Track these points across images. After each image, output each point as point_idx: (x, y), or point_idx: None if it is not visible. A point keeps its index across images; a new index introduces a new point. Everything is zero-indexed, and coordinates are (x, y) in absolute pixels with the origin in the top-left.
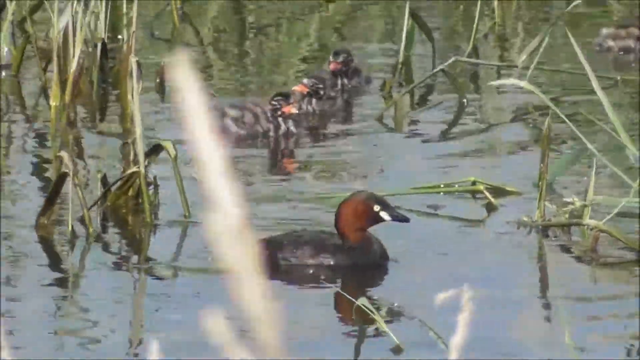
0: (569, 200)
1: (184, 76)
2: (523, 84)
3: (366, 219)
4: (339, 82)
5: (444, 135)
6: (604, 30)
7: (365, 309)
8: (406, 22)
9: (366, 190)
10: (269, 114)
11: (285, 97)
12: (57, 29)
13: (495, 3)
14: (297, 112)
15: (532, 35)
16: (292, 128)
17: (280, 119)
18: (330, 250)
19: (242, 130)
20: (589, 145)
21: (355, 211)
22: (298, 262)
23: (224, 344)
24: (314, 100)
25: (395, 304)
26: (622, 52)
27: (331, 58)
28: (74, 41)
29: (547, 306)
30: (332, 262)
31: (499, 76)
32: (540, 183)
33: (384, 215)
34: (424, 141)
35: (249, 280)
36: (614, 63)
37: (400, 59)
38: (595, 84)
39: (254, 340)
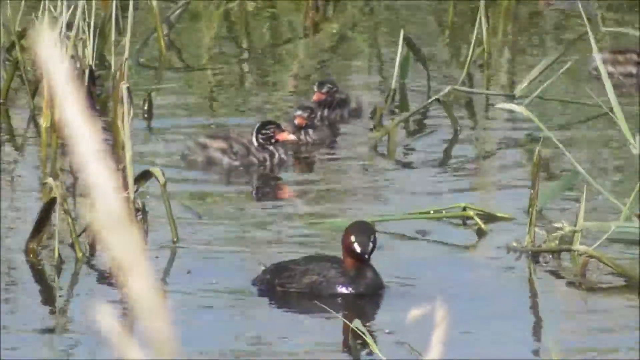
0: (558, 225)
1: (49, 52)
2: (521, 109)
3: (347, 249)
4: (319, 113)
5: (437, 162)
6: (598, 55)
7: (358, 331)
8: (400, 49)
9: (362, 220)
10: (255, 144)
11: (277, 125)
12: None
13: (484, 30)
14: (294, 138)
15: (522, 61)
16: (284, 156)
17: (272, 147)
18: (324, 277)
19: (235, 161)
20: (581, 170)
21: (343, 240)
22: (293, 289)
23: (114, 338)
24: (310, 131)
25: (386, 330)
26: (622, 78)
27: (315, 88)
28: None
29: (535, 331)
30: (324, 291)
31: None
32: (530, 209)
33: (355, 246)
34: (416, 168)
35: (134, 268)
36: (616, 88)
37: (393, 86)
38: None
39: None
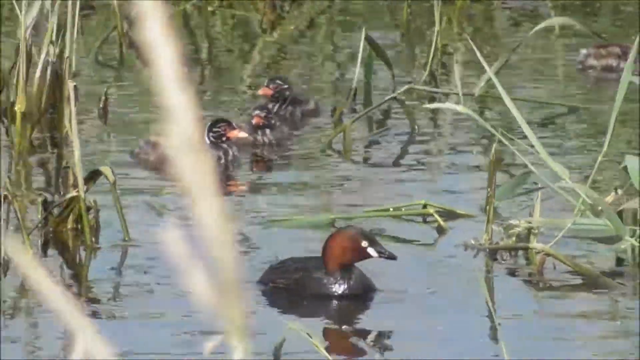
0: (515, 223)
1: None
2: (460, 108)
3: (352, 255)
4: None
5: (395, 161)
6: (584, 50)
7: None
8: (361, 48)
9: (354, 225)
10: (207, 142)
11: (228, 123)
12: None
13: (438, 29)
14: (246, 135)
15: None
16: (237, 153)
17: (225, 145)
18: (311, 280)
19: None
20: (532, 168)
21: (342, 246)
22: (282, 285)
23: (181, 261)
24: (267, 131)
25: (344, 327)
26: (604, 71)
27: (265, 84)
28: (27, 66)
29: (492, 328)
30: (313, 291)
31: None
32: (487, 207)
33: (371, 251)
34: (373, 166)
35: (205, 196)
36: (596, 81)
37: (354, 85)
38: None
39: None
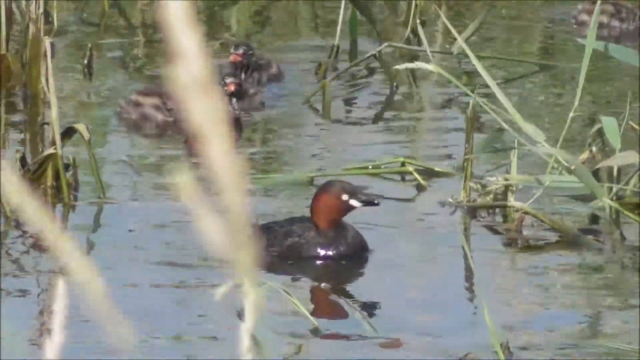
0: (492, 180)
1: None
2: (431, 67)
3: (337, 211)
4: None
5: (374, 119)
6: (579, 5)
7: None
8: (342, 6)
9: (334, 181)
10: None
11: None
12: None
13: None
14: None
15: (461, 18)
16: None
17: (234, 100)
18: (303, 239)
19: (169, 117)
20: (505, 126)
21: (327, 205)
22: (275, 253)
23: (191, 205)
24: (234, 100)
25: (322, 284)
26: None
27: (232, 50)
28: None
29: (469, 288)
30: (303, 253)
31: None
32: (465, 164)
33: (353, 202)
34: (352, 124)
35: (216, 137)
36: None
37: (336, 42)
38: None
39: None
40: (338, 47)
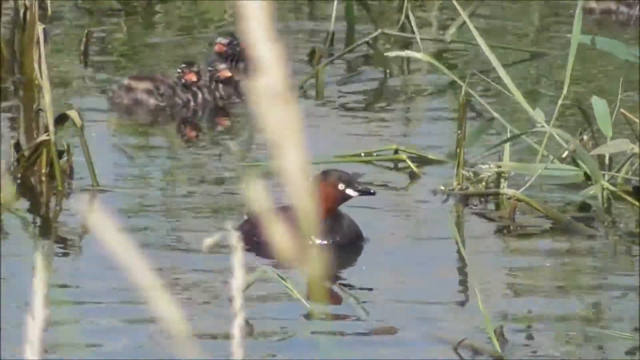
0: (484, 167)
1: None
2: (419, 55)
3: (334, 200)
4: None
5: (367, 106)
6: None
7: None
8: None
9: (331, 169)
10: (179, 85)
11: (187, 64)
12: None
13: None
14: (194, 79)
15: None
16: (208, 96)
17: (195, 88)
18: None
19: (161, 102)
20: (495, 115)
21: (323, 194)
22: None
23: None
24: (220, 86)
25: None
26: (603, 14)
27: (217, 40)
28: None
29: (463, 275)
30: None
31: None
32: (458, 151)
33: (349, 192)
34: (345, 111)
35: (290, 147)
36: (597, 24)
37: (331, 29)
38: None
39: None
40: (333, 33)
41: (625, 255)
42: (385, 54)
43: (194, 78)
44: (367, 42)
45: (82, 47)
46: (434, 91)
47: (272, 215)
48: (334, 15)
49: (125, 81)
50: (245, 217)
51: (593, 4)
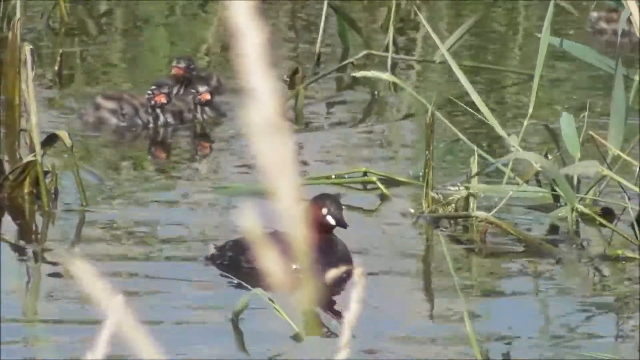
0: (454, 189)
1: None
2: (385, 75)
3: (318, 224)
4: (175, 89)
5: (347, 126)
6: (594, 14)
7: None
8: (324, 15)
9: (326, 193)
10: (148, 106)
11: (159, 86)
12: None
13: None
14: (165, 102)
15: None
16: (171, 119)
17: (158, 110)
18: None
19: (122, 122)
20: (461, 136)
21: (310, 216)
22: (257, 266)
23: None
24: (205, 108)
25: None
26: (615, 35)
27: (174, 63)
28: None
29: (429, 295)
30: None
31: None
32: (426, 172)
33: (329, 219)
34: (321, 131)
35: (283, 178)
36: (607, 45)
37: (317, 51)
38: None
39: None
40: (319, 55)
41: (595, 276)
42: (352, 74)
43: (163, 100)
44: (351, 63)
45: (56, 68)
46: (418, 112)
47: (263, 240)
48: (320, 35)
49: (97, 99)
50: (232, 240)
51: (605, 26)
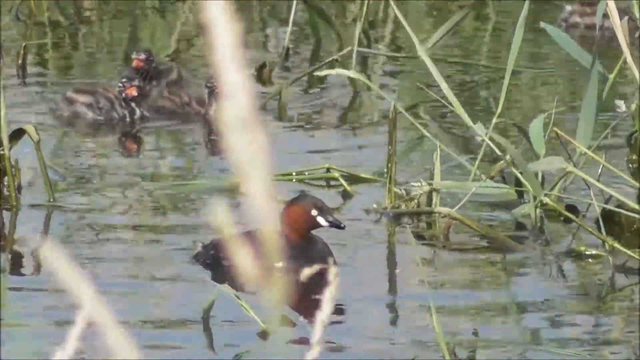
0: (416, 185)
1: None
2: (351, 73)
3: (305, 224)
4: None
5: (320, 123)
6: (568, 7)
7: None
8: (293, 7)
9: (307, 194)
10: (121, 99)
11: (128, 79)
12: None
13: None
14: (136, 94)
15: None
16: (146, 112)
17: (133, 104)
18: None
19: (99, 116)
20: (425, 132)
21: (296, 216)
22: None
23: (227, 237)
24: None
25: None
26: (587, 29)
27: (134, 55)
28: None
29: (393, 293)
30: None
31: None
32: (389, 167)
33: (320, 220)
34: (296, 128)
35: (256, 174)
36: (580, 40)
37: (286, 44)
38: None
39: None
40: (288, 48)
41: (560, 273)
42: (316, 73)
43: (134, 92)
44: (335, 60)
45: (19, 61)
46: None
47: (238, 239)
48: (289, 29)
49: (68, 93)
50: (211, 240)
51: (577, 19)
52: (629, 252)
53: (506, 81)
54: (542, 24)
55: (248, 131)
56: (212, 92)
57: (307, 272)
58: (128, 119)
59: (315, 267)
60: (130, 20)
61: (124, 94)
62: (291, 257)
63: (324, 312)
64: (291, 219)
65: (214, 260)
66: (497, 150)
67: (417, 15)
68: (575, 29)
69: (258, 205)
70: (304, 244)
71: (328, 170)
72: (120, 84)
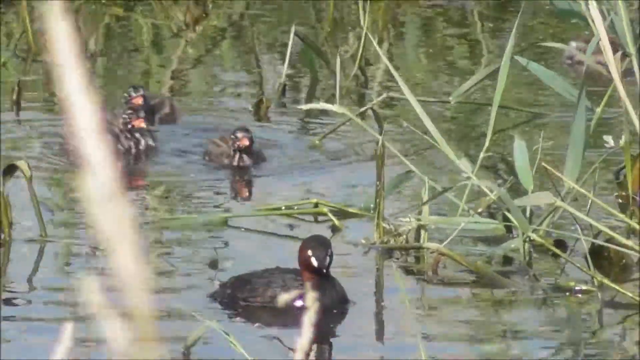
0: (405, 220)
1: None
2: (335, 107)
3: (306, 264)
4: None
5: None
6: (573, 44)
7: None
8: (290, 44)
9: (318, 235)
10: (126, 132)
11: (134, 110)
12: None
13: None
14: (145, 126)
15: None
16: (151, 142)
17: (137, 135)
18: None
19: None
20: (413, 168)
21: (300, 257)
22: (254, 303)
23: (97, 311)
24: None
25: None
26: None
27: (132, 93)
28: None
29: (380, 326)
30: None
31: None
32: (377, 202)
33: (312, 260)
34: (282, 163)
35: (122, 245)
36: (588, 77)
37: (282, 80)
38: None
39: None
40: (285, 85)
41: (548, 308)
42: (299, 106)
43: (142, 124)
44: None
45: (14, 97)
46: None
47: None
48: (286, 64)
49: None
50: (234, 277)
51: (584, 57)
52: (618, 287)
53: (492, 119)
54: (518, 58)
55: (112, 205)
56: (127, 125)
57: (284, 297)
58: (134, 150)
59: (293, 293)
60: (127, 56)
61: (130, 126)
62: (302, 296)
63: (304, 339)
64: (300, 260)
65: (231, 299)
66: (484, 188)
67: (413, 49)
68: (582, 65)
69: (126, 278)
70: (320, 283)
71: (316, 205)
72: (125, 116)
